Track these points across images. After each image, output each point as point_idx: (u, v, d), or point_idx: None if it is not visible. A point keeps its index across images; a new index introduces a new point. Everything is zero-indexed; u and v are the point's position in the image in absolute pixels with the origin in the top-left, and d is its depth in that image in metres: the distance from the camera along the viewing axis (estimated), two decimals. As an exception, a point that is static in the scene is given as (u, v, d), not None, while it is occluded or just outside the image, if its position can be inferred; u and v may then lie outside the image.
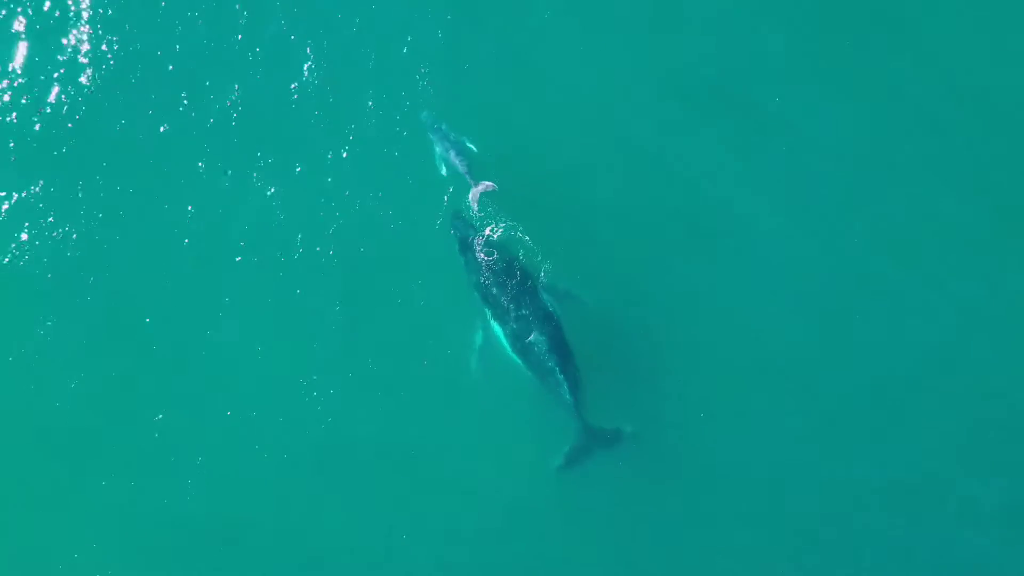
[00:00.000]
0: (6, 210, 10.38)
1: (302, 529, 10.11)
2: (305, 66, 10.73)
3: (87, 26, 10.71)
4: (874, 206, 10.53)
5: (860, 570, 9.98)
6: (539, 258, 10.02)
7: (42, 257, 10.32)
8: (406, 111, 10.64)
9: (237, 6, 10.86)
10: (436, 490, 10.10)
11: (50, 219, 10.39)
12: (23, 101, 10.54)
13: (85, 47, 10.68)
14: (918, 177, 10.56)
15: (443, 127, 10.37)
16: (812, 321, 10.32)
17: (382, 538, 10.09)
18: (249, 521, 10.12)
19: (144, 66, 10.71)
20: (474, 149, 10.28)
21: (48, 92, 10.57)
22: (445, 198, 10.36)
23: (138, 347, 10.27)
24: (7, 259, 10.29)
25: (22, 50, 10.65)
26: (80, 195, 10.46)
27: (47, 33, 10.66)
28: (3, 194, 10.40)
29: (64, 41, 10.67)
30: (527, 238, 10.05)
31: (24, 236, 10.33)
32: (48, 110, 10.37)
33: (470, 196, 10.06)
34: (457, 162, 10.20)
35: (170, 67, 10.74)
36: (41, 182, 10.44)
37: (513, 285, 9.74)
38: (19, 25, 10.71)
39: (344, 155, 10.56)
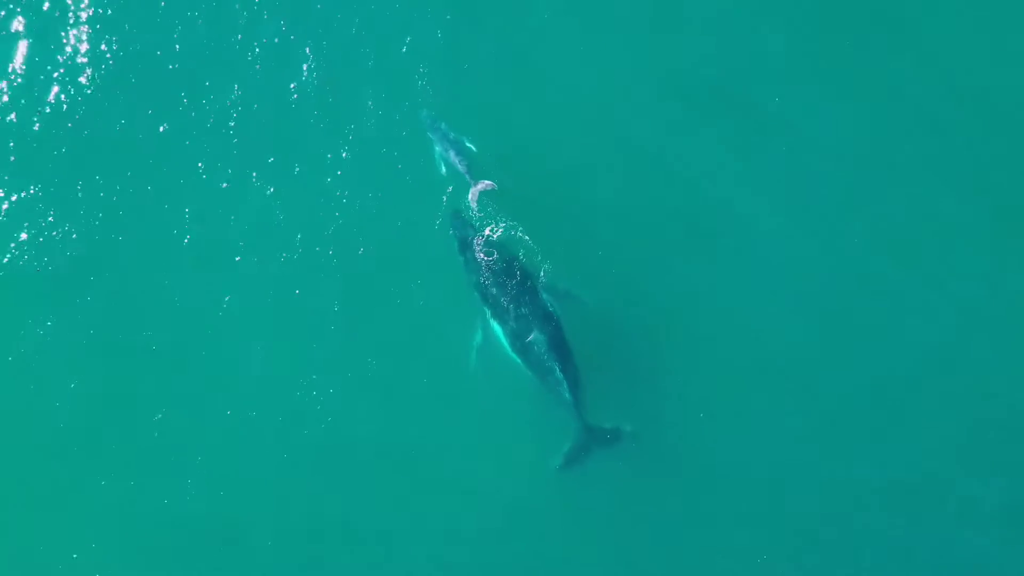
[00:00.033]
0: (6, 210, 10.39)
1: (302, 529, 10.11)
2: (305, 66, 10.74)
3: (87, 26, 10.72)
4: (874, 206, 10.53)
5: (860, 570, 9.98)
6: (539, 258, 10.02)
7: (42, 257, 10.33)
8: (406, 111, 10.64)
9: (237, 6, 10.87)
10: (436, 490, 10.11)
11: (50, 219, 10.40)
12: (23, 101, 10.55)
13: (85, 47, 10.69)
14: (918, 177, 10.56)
15: (443, 127, 10.38)
16: (812, 321, 10.32)
17: (382, 538, 10.09)
18: (249, 521, 10.12)
19: (144, 66, 10.73)
20: (473, 149, 10.29)
21: (48, 92, 10.58)
22: (444, 198, 10.36)
23: (138, 347, 10.27)
24: (7, 259, 10.30)
25: (22, 50, 10.66)
26: (80, 195, 10.47)
27: (47, 33, 10.68)
28: (3, 194, 10.41)
29: (64, 41, 10.68)
30: (527, 238, 10.05)
31: (24, 236, 10.34)
32: (48, 110, 10.38)
33: (469, 196, 10.07)
34: (456, 162, 10.21)
35: (170, 67, 10.75)
36: (41, 182, 10.45)
37: (513, 285, 9.74)
38: (19, 25, 10.72)
39: (344, 155, 10.56)
